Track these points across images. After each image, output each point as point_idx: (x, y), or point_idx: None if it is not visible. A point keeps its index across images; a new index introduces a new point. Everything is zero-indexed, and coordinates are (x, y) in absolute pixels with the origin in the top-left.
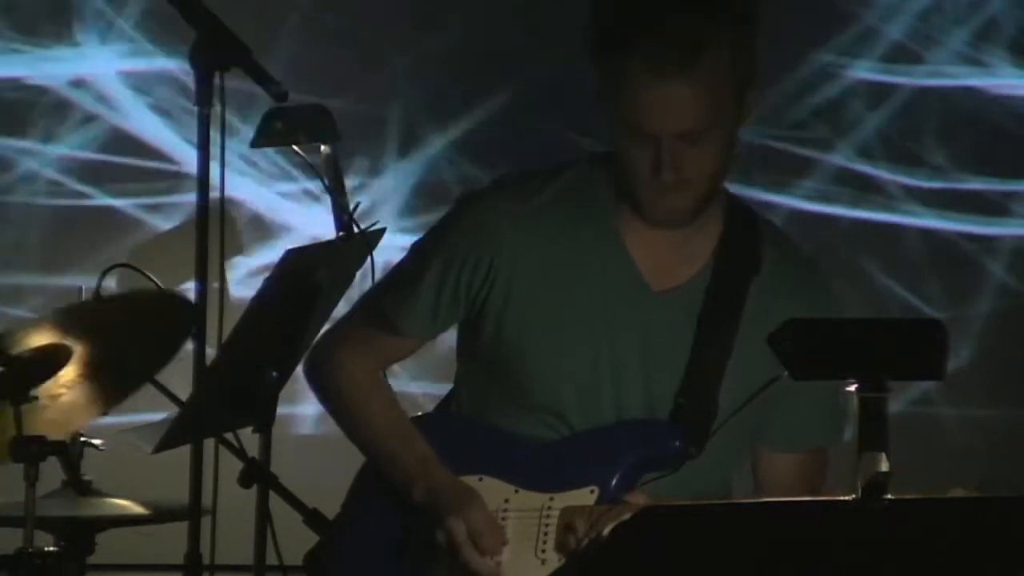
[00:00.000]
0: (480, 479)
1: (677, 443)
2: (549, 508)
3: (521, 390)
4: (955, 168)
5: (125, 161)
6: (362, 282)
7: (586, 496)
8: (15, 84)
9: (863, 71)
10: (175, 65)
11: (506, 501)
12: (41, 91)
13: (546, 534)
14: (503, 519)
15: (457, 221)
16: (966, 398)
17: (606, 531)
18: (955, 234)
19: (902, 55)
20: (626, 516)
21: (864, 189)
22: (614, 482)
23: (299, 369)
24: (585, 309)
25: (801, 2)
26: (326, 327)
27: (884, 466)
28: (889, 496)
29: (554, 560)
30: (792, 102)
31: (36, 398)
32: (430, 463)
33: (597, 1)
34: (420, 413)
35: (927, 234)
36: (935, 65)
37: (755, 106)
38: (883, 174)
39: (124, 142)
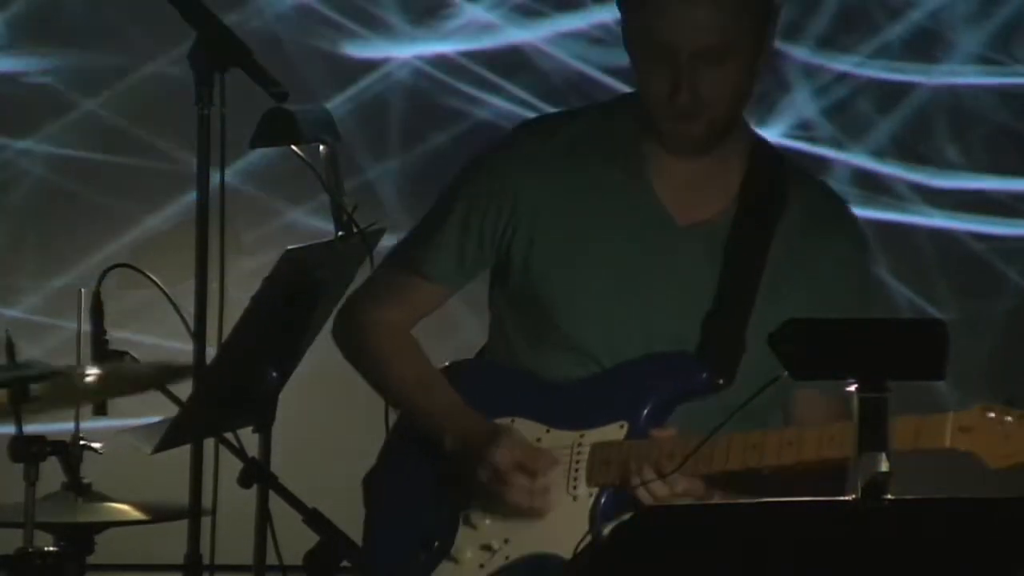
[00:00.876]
0: (512, 421)
1: (704, 375)
2: (580, 445)
3: (550, 329)
4: (968, 168)
5: (124, 161)
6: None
7: (615, 431)
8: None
9: (876, 70)
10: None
11: (538, 440)
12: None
13: (577, 471)
14: None
15: (478, 168)
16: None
17: (606, 531)
18: (967, 234)
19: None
20: (626, 516)
21: (875, 189)
22: (643, 416)
23: (299, 369)
24: (610, 245)
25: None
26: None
27: (884, 466)
28: (889, 496)
29: (585, 496)
30: (804, 101)
31: (36, 398)
32: (459, 410)
33: None
34: (446, 364)
35: (938, 234)
36: (949, 64)
37: (775, 43)
38: (894, 173)
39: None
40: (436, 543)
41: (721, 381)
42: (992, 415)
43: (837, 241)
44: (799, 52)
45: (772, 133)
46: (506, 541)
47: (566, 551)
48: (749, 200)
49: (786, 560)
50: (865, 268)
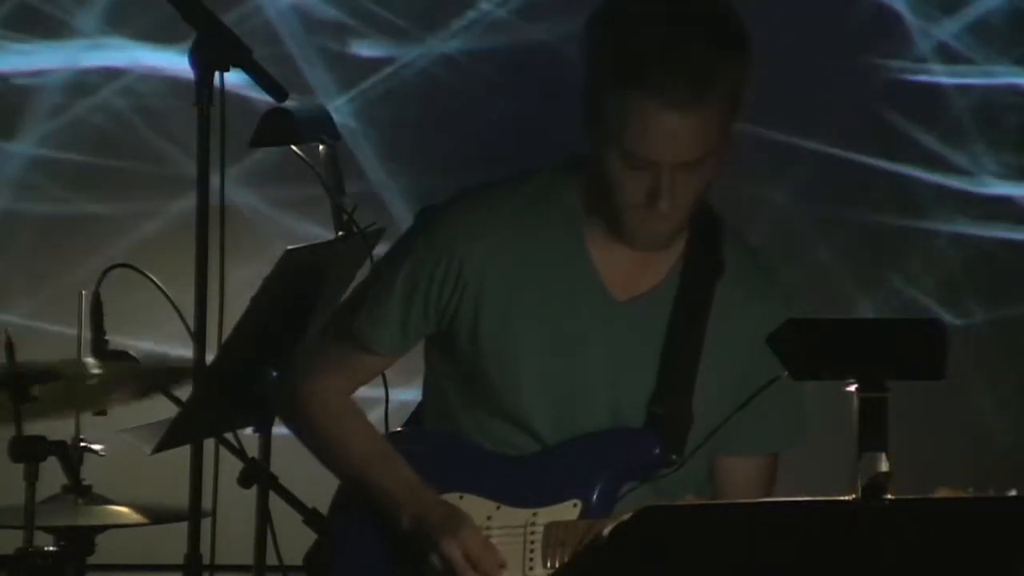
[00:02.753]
0: (461, 497)
1: (658, 451)
2: (533, 524)
3: (493, 401)
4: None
5: (123, 160)
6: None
7: (569, 510)
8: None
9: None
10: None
11: (488, 518)
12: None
13: (532, 550)
14: (487, 537)
15: (420, 237)
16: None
17: (606, 531)
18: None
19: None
20: (626, 516)
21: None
22: (596, 494)
23: None
24: (552, 322)
25: (838, 4)
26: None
27: (884, 466)
28: (889, 496)
29: (542, 575)
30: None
31: (36, 398)
32: (415, 488)
33: (606, 30)
34: (391, 431)
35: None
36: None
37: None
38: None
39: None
40: None
41: (674, 456)
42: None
43: (768, 302)
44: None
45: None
46: None
47: None
48: (688, 270)
49: (786, 560)
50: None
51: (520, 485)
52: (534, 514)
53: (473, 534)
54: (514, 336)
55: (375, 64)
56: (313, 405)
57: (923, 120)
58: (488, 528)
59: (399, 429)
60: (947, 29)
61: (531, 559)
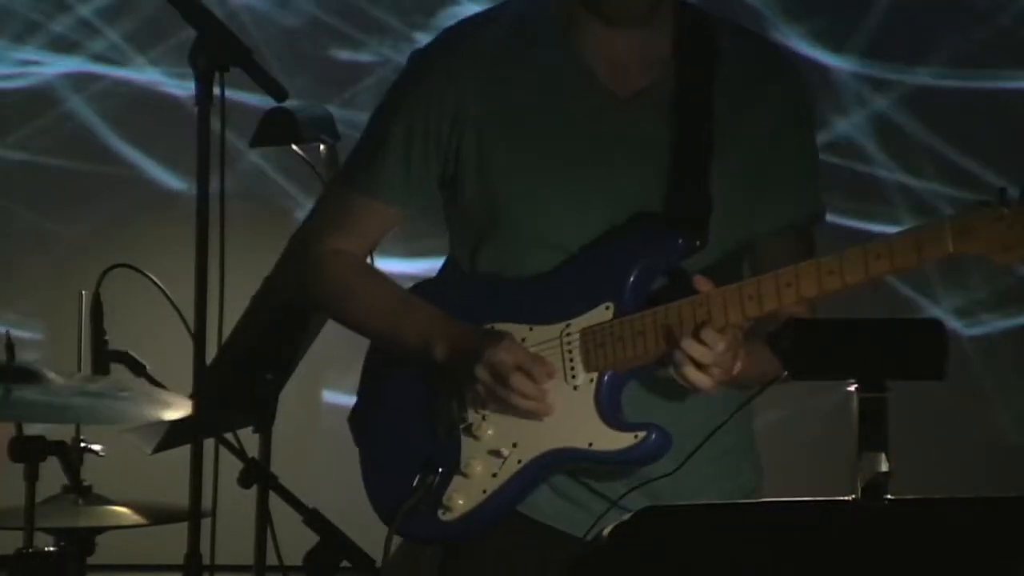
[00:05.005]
0: (491, 328)
1: (680, 240)
2: (568, 334)
3: (513, 225)
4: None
5: (123, 161)
6: None
7: (602, 313)
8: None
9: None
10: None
11: (523, 340)
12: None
13: (571, 359)
14: None
15: (411, 80)
16: None
17: (606, 531)
18: None
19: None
20: (626, 516)
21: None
22: (626, 293)
23: (299, 369)
24: (558, 132)
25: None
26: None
27: (884, 466)
28: (889, 496)
29: (585, 382)
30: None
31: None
32: (445, 321)
33: None
34: (410, 286)
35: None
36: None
37: None
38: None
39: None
40: (440, 463)
41: (697, 243)
42: (988, 209)
43: (774, 85)
44: (843, 62)
45: None
46: (515, 445)
47: (577, 442)
48: (684, 62)
49: (786, 560)
50: (804, 107)
51: (548, 302)
52: (567, 325)
53: (517, 344)
54: (523, 154)
55: (368, 68)
56: (330, 266)
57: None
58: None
59: (420, 281)
60: None
61: (572, 368)
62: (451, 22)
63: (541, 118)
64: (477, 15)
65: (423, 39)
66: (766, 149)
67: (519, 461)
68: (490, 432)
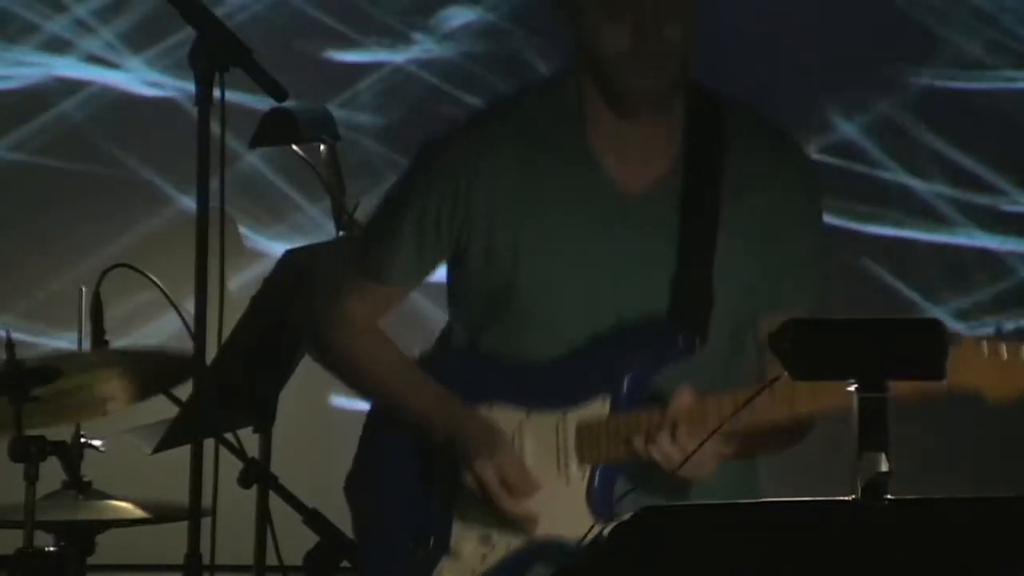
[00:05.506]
0: (490, 407)
1: (680, 339)
2: (564, 424)
3: (516, 312)
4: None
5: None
6: None
7: (599, 407)
8: None
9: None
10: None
11: (519, 424)
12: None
13: (566, 450)
14: (520, 442)
15: (426, 165)
16: None
17: (606, 531)
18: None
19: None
20: (626, 516)
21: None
22: (624, 388)
23: (299, 369)
24: (565, 226)
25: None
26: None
27: (884, 466)
28: (889, 496)
29: (578, 476)
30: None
31: (37, 398)
32: (446, 401)
33: None
34: (420, 353)
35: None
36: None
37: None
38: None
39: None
40: (432, 539)
41: (697, 341)
42: (985, 347)
43: (782, 171)
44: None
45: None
46: (504, 532)
47: (567, 533)
48: (694, 155)
49: (786, 560)
50: (813, 193)
51: (548, 389)
52: (564, 415)
53: (508, 456)
54: (531, 247)
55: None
56: (340, 329)
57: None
58: (520, 434)
59: (422, 353)
60: None
61: (565, 459)
62: (451, 23)
63: (551, 212)
64: (492, 104)
65: (422, 39)
66: (768, 239)
67: (508, 546)
68: (481, 514)
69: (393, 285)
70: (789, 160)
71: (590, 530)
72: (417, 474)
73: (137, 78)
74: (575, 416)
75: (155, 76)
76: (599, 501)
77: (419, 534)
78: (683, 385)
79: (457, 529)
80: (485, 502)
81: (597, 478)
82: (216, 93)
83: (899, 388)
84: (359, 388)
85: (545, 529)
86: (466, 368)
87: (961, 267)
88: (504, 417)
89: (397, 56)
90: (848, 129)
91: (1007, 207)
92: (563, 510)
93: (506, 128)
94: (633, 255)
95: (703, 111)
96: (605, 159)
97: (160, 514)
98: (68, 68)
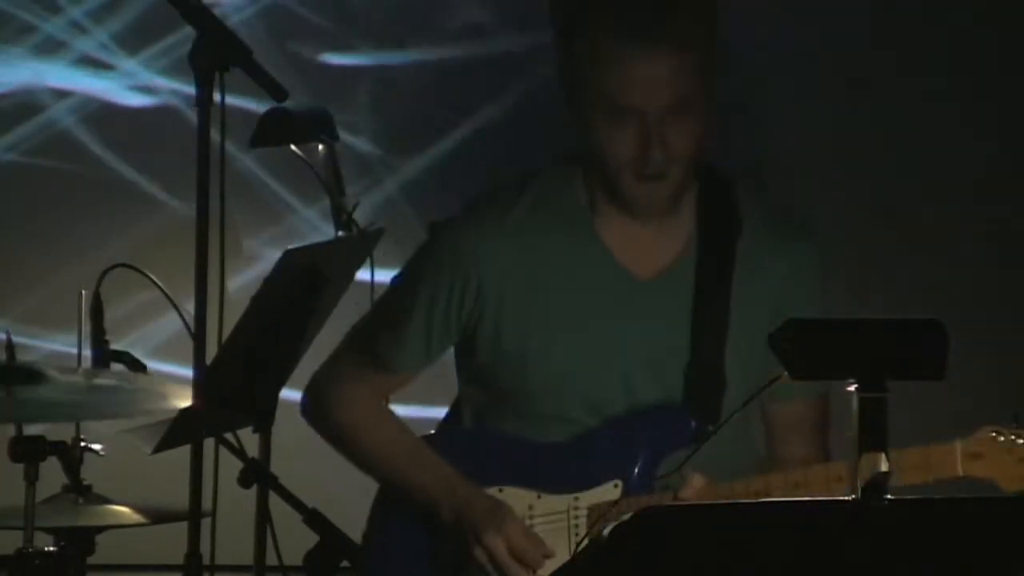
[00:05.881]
0: (500, 490)
1: (692, 423)
2: (576, 508)
3: (526, 400)
4: None
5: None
6: (360, 288)
7: (610, 491)
8: None
9: None
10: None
11: (530, 508)
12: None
13: (577, 534)
14: (530, 527)
15: (434, 252)
16: None
17: (606, 531)
18: None
19: None
20: (626, 516)
21: None
22: (636, 472)
23: (299, 369)
24: (575, 312)
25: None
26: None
27: (884, 466)
28: (889, 496)
29: None
30: None
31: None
32: (453, 481)
33: None
34: (426, 434)
35: None
36: None
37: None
38: None
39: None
40: None
41: (710, 427)
42: (1001, 439)
43: (791, 255)
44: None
45: None
46: None
47: None
48: (707, 239)
49: (786, 560)
50: (822, 271)
51: (559, 471)
52: (576, 498)
53: (517, 526)
54: (539, 338)
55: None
56: (344, 411)
57: None
58: (531, 517)
59: (433, 432)
60: None
61: (577, 543)
62: (447, 26)
63: (561, 297)
64: (502, 188)
65: (421, 42)
66: (778, 319)
67: None
68: None
69: (401, 374)
70: (798, 240)
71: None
72: (424, 551)
73: (134, 79)
74: (587, 499)
75: (151, 77)
76: None
77: None
78: (695, 472)
79: None
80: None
81: None
82: (216, 92)
83: (909, 478)
84: (363, 466)
85: None
86: (475, 449)
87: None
88: (515, 499)
89: (392, 59)
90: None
91: None
92: None
93: (515, 214)
94: (645, 339)
95: (715, 193)
96: (615, 247)
97: (160, 518)
98: (62, 69)
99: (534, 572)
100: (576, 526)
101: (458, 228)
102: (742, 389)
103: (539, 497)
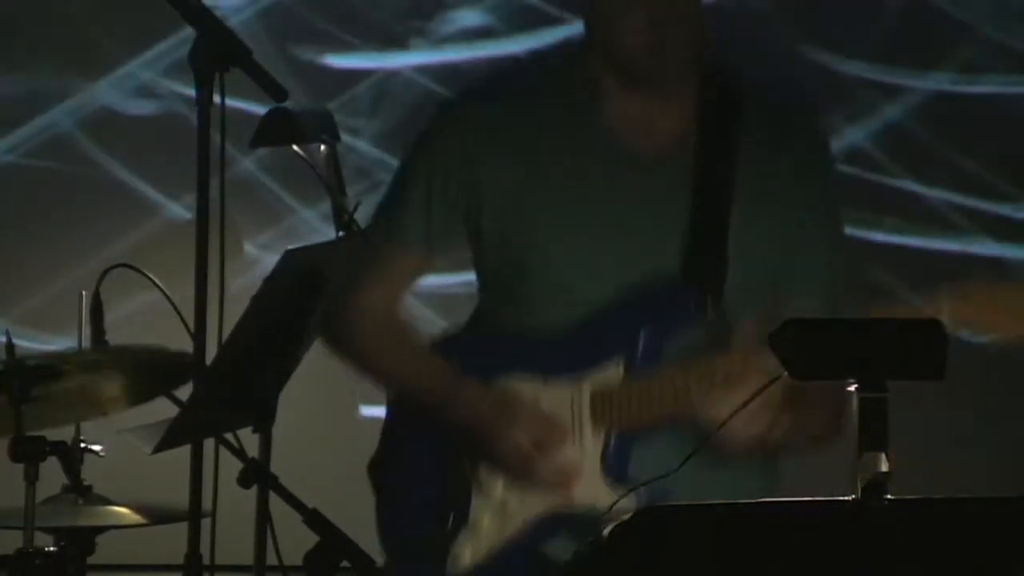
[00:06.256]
0: (507, 380)
1: (693, 302)
2: (579, 391)
3: (532, 286)
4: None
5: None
6: None
7: (613, 371)
8: None
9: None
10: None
11: (536, 394)
12: None
13: (580, 418)
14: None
15: (434, 137)
16: None
17: (606, 531)
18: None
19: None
20: (626, 516)
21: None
22: (639, 351)
23: (299, 369)
24: (580, 191)
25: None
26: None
27: (884, 466)
28: (889, 496)
29: (592, 443)
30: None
31: (37, 398)
32: (462, 384)
33: None
34: (433, 338)
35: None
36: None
37: None
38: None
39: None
40: (451, 516)
41: (711, 304)
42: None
43: (798, 141)
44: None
45: None
46: (522, 501)
47: (583, 500)
48: (709, 125)
49: (786, 560)
50: (827, 163)
51: (562, 357)
52: (580, 381)
53: (531, 416)
54: (544, 212)
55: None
56: (357, 319)
57: None
58: (536, 403)
59: (438, 334)
60: None
61: (580, 425)
62: (448, 28)
63: (564, 177)
64: (500, 74)
65: (420, 44)
66: (785, 211)
67: (525, 519)
68: (499, 488)
69: (404, 245)
70: (803, 134)
71: (616, 502)
72: (438, 455)
73: (131, 80)
74: (589, 382)
75: (152, 78)
76: (613, 467)
77: (439, 511)
78: (746, 320)
79: (475, 503)
80: (521, 472)
81: (612, 444)
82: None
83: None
84: (373, 376)
85: (561, 497)
86: (483, 346)
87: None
88: (521, 387)
89: (394, 61)
90: (854, 136)
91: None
92: (579, 478)
93: (519, 93)
94: (647, 219)
95: (718, 83)
96: (619, 127)
97: (160, 518)
98: (66, 69)
99: (557, 456)
100: (579, 409)
101: (456, 114)
102: (743, 272)
103: (544, 383)
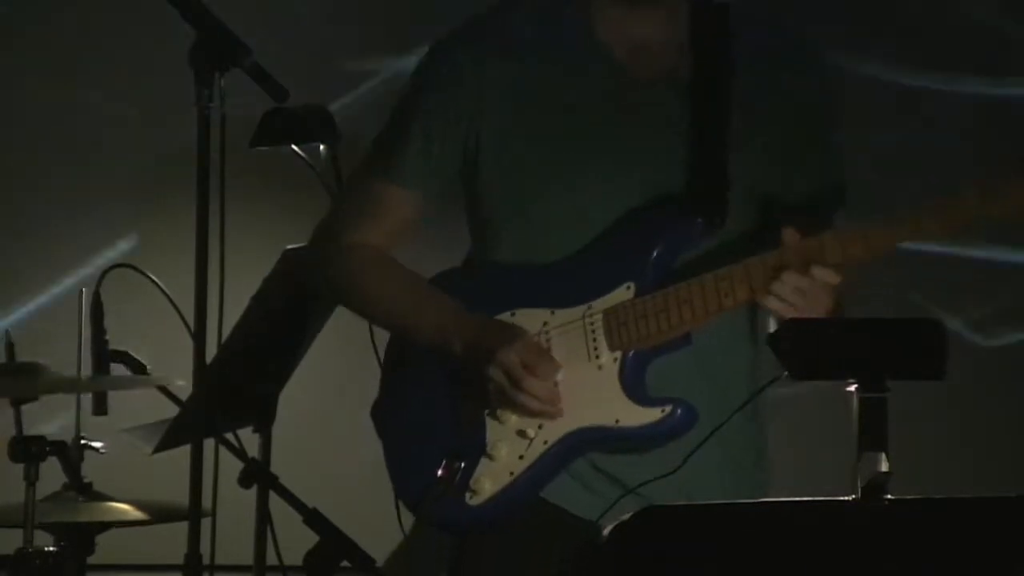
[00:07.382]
0: (512, 314)
1: (699, 220)
2: (590, 315)
3: (533, 211)
4: None
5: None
6: None
7: (623, 293)
8: None
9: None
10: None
11: (544, 324)
12: None
13: (595, 339)
14: (547, 340)
15: (431, 68)
16: None
17: (606, 531)
18: None
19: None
20: (626, 516)
21: None
22: (648, 272)
23: (299, 369)
24: (578, 113)
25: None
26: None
27: (884, 466)
28: (889, 496)
29: (609, 361)
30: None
31: (36, 398)
32: (462, 314)
33: None
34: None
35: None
36: None
37: None
38: None
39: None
40: (466, 448)
41: (716, 223)
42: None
43: (793, 68)
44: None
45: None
46: (540, 426)
47: (603, 419)
48: (702, 45)
49: (786, 560)
50: (825, 91)
51: (569, 285)
52: (589, 307)
53: (528, 343)
54: (542, 136)
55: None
56: (348, 259)
57: None
58: (546, 332)
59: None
60: None
61: (596, 348)
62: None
63: (561, 99)
64: (491, 10)
65: (424, 44)
66: (786, 131)
67: (545, 442)
68: (514, 417)
69: (399, 183)
70: (801, 56)
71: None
72: (444, 388)
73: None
74: (600, 305)
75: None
76: (632, 384)
77: (453, 446)
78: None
79: (491, 432)
80: (511, 392)
81: (629, 362)
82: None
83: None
84: (370, 315)
85: (580, 419)
86: (486, 281)
87: (983, 280)
88: (528, 319)
89: (394, 62)
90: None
91: None
92: (598, 397)
93: (511, 23)
94: (647, 138)
95: (708, 8)
96: (614, 46)
97: (161, 516)
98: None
99: (549, 382)
100: (593, 332)
101: (454, 39)
102: (747, 190)
103: (552, 312)
